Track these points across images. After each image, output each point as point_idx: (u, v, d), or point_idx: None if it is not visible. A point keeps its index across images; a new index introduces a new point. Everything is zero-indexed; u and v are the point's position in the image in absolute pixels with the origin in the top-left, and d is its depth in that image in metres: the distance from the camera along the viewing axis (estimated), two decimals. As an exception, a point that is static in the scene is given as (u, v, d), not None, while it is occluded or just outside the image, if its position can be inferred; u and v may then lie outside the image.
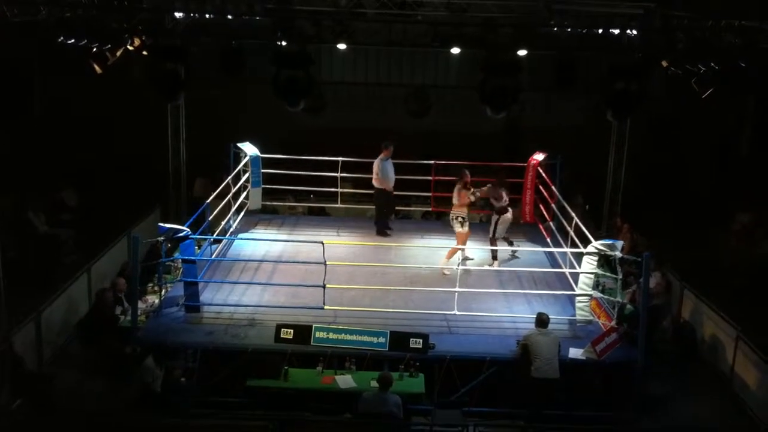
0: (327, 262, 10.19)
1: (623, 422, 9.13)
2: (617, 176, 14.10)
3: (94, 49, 10.84)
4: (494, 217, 12.22)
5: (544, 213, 13.50)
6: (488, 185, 12.16)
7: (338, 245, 11.88)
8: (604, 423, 9.11)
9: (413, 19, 10.80)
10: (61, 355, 10.12)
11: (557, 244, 12.25)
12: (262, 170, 14.12)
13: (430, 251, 12.58)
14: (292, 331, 9.57)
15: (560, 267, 11.66)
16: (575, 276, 10.60)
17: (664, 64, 11.38)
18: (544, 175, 13.53)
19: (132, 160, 15.59)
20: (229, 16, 11.08)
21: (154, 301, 10.76)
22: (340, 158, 14.13)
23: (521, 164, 14.11)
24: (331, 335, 9.59)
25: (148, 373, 8.90)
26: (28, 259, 11.94)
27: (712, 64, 10.76)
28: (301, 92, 10.14)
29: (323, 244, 10.35)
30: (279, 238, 13.19)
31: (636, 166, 14.51)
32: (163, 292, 10.63)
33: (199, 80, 12.03)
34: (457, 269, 10.65)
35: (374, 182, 13.27)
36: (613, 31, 10.83)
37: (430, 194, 14.49)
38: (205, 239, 11.83)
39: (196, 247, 11.23)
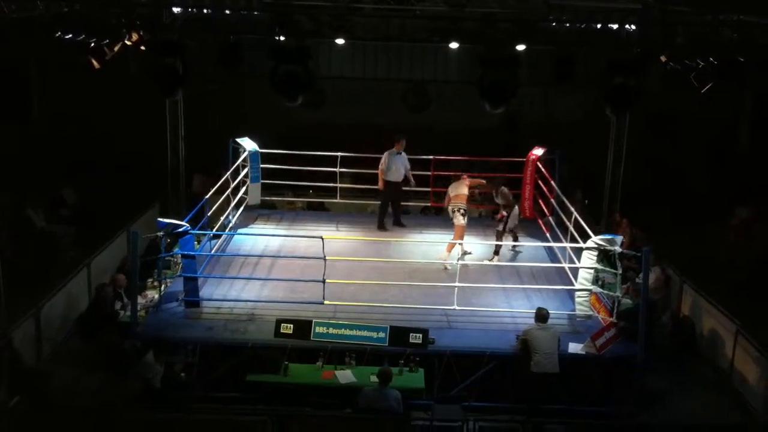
0: (326, 257, 10.19)
1: (623, 417, 9.13)
2: (616, 171, 14.10)
3: (92, 45, 10.82)
4: (505, 212, 12.18)
5: (544, 208, 13.50)
6: (491, 183, 12.15)
7: (338, 240, 11.86)
8: (603, 417, 9.11)
9: (412, 13, 10.79)
10: (61, 350, 10.10)
11: (557, 239, 12.26)
12: (261, 165, 14.11)
13: (429, 246, 12.59)
14: (291, 326, 9.57)
15: (560, 262, 11.68)
16: (575, 271, 10.62)
17: (663, 59, 11.39)
18: (543, 170, 13.53)
19: (131, 156, 15.55)
20: (227, 11, 11.07)
21: (153, 297, 10.76)
22: (338, 153, 14.13)
23: (520, 159, 14.11)
24: (331, 330, 9.59)
25: (148, 368, 8.91)
26: (27, 256, 11.92)
27: (711, 59, 10.77)
28: (300, 87, 10.13)
29: (323, 239, 10.35)
30: (278, 233, 13.18)
31: (634, 161, 14.51)
32: (162, 288, 10.63)
33: (197, 75, 12.01)
34: (457, 264, 10.65)
35: (379, 175, 13.28)
36: (612, 26, 10.84)
37: (429, 189, 14.48)
38: (205, 234, 11.83)
39: (196, 243, 11.23)
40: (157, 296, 10.63)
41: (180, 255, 10.81)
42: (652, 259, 10.68)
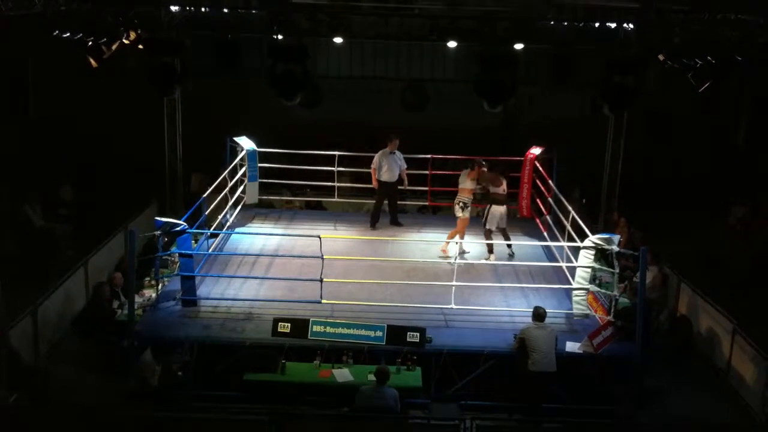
0: (324, 256, 10.19)
1: (620, 416, 9.14)
2: (614, 170, 14.11)
3: (90, 43, 10.81)
4: (487, 207, 12.18)
5: (541, 207, 13.50)
6: (489, 171, 12.13)
7: (335, 239, 11.84)
8: (601, 416, 9.12)
9: (410, 12, 10.78)
10: (58, 349, 10.09)
11: (554, 238, 12.26)
12: (259, 164, 14.10)
13: (426, 245, 12.59)
14: (289, 325, 9.57)
15: (557, 261, 11.68)
16: (572, 270, 10.62)
17: (661, 57, 11.40)
18: (540, 169, 13.53)
19: (128, 155, 15.53)
20: (225, 10, 11.06)
21: (151, 296, 10.75)
22: (336, 152, 14.12)
23: (518, 158, 14.11)
24: (329, 329, 9.58)
25: (145, 367, 8.90)
26: (24, 254, 11.91)
27: (709, 57, 10.77)
28: (297, 86, 10.16)
29: (320, 238, 10.35)
30: (276, 233, 13.17)
31: (632, 159, 14.51)
32: (160, 287, 10.62)
33: (194, 74, 12.02)
34: (454, 263, 10.66)
35: (372, 174, 13.27)
36: (610, 24, 10.85)
37: (426, 188, 14.48)
38: (202, 233, 11.82)
39: (193, 242, 11.22)
40: (154, 295, 10.62)
41: (177, 254, 10.81)
42: (650, 258, 10.69)
